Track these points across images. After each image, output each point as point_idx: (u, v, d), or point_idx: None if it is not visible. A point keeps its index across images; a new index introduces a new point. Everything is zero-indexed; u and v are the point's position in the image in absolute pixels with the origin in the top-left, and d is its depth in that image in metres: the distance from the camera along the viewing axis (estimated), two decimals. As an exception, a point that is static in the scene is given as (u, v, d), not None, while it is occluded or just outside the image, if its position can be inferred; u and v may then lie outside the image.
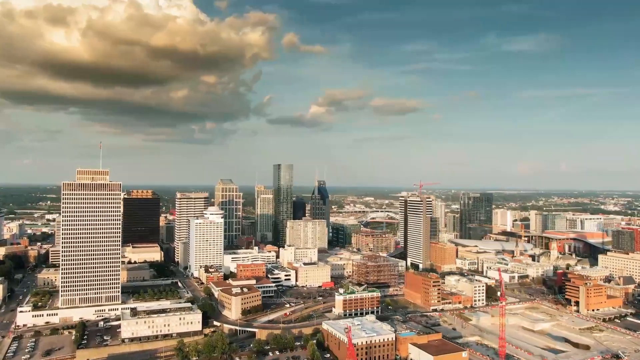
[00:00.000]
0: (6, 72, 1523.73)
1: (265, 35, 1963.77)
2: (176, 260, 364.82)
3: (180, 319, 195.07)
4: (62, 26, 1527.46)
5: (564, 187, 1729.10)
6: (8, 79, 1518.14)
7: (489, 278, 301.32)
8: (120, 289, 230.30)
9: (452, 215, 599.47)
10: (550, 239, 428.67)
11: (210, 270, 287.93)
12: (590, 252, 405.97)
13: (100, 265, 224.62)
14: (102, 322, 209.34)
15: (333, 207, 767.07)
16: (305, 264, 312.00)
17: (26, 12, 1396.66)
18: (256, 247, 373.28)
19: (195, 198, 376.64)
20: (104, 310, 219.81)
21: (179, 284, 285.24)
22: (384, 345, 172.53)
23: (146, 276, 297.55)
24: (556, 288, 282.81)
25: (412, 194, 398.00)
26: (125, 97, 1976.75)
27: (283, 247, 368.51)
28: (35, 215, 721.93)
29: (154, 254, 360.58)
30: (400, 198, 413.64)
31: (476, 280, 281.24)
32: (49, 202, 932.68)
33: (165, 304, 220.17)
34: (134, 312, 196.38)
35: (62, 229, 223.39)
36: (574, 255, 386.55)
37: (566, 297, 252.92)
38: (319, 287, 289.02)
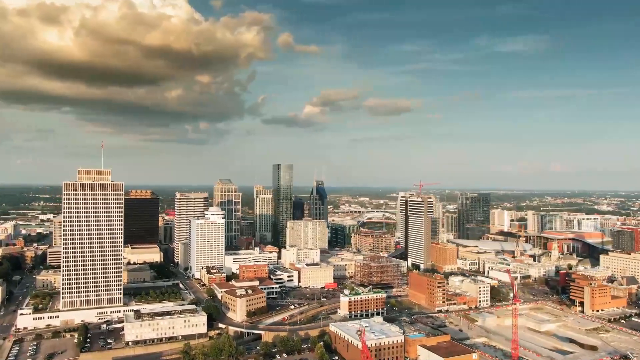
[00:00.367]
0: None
1: (260, 35, 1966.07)
2: (176, 261, 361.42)
3: (185, 321, 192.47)
4: (55, 25, 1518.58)
5: (556, 187, 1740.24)
6: (0, 77, 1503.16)
7: (491, 278, 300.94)
8: (122, 291, 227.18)
9: (449, 216, 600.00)
10: (548, 239, 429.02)
11: (212, 271, 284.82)
12: (589, 252, 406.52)
13: (102, 266, 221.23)
14: (104, 325, 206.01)
15: (329, 207, 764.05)
16: (307, 264, 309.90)
17: (19, 10, 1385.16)
18: (257, 248, 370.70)
19: (194, 198, 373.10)
20: (106, 312, 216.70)
21: (181, 286, 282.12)
22: (393, 347, 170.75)
23: (147, 277, 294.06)
24: (559, 288, 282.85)
25: (410, 194, 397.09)
26: (118, 96, 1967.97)
27: (283, 247, 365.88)
28: (29, 215, 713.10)
29: (153, 254, 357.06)
30: (400, 198, 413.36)
31: (480, 280, 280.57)
32: (42, 202, 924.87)
33: (168, 305, 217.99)
34: (138, 315, 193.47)
35: (63, 230, 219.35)
36: (574, 256, 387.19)
37: (570, 297, 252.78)
38: (322, 288, 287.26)
